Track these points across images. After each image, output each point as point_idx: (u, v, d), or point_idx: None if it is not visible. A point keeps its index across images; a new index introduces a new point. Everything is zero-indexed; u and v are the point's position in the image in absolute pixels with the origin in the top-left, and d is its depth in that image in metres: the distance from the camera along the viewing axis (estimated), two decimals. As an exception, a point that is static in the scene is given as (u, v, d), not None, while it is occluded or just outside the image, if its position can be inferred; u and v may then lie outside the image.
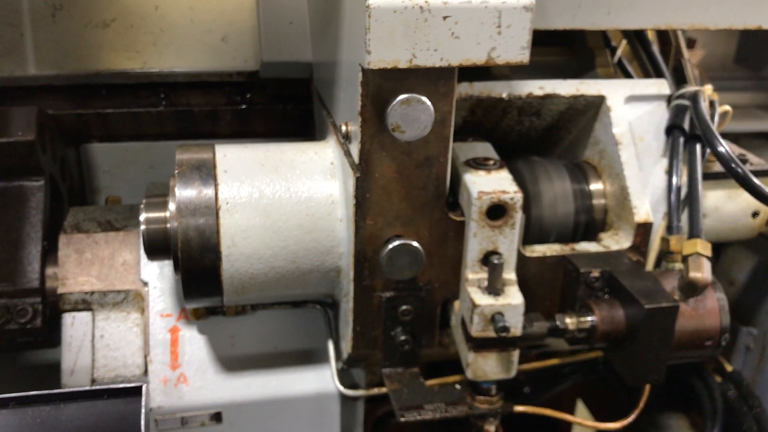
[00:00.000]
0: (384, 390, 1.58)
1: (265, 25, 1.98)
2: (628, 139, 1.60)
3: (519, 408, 1.57)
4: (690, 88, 1.64)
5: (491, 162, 1.46)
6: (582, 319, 1.45)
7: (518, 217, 1.38)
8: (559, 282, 1.54)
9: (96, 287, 1.68)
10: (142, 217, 1.49)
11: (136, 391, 1.19)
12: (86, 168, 2.11)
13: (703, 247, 1.49)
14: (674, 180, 1.58)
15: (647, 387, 1.68)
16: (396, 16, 1.17)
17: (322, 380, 1.69)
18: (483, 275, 1.41)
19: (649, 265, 1.59)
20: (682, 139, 1.61)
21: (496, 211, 1.37)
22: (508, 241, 1.39)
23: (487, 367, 1.44)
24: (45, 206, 1.71)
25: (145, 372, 1.65)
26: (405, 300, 1.48)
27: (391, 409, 1.58)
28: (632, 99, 1.63)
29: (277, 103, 2.10)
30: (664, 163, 1.62)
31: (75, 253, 1.71)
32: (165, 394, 1.62)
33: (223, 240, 1.42)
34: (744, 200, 1.70)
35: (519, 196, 1.36)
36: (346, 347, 1.55)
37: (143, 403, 1.17)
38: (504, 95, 1.57)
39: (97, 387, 1.21)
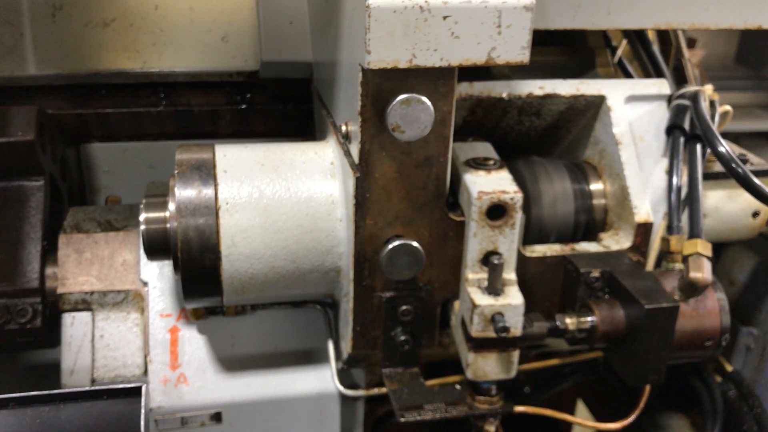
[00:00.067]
0: (384, 390, 1.58)
1: (265, 24, 1.97)
2: (628, 139, 1.59)
3: (519, 408, 1.57)
4: (690, 88, 1.64)
5: (491, 162, 1.46)
6: (582, 319, 1.45)
7: (518, 217, 1.38)
8: (559, 282, 1.54)
9: (96, 287, 1.68)
10: (142, 217, 1.49)
11: (136, 392, 1.19)
12: (86, 168, 2.11)
13: (703, 247, 1.49)
14: (674, 180, 1.58)
15: (647, 387, 1.68)
16: (396, 16, 1.17)
17: (322, 380, 1.69)
18: (483, 275, 1.41)
19: (650, 265, 1.58)
20: (682, 139, 1.61)
21: (496, 211, 1.37)
22: (508, 241, 1.39)
23: (487, 367, 1.43)
24: (45, 206, 1.71)
25: (145, 372, 1.64)
26: (405, 300, 1.47)
27: (391, 409, 1.58)
28: (632, 99, 1.63)
29: (277, 103, 2.10)
30: (665, 163, 1.62)
31: (75, 253, 1.70)
32: (165, 394, 1.62)
33: (222, 240, 1.42)
34: (744, 200, 1.70)
35: (519, 196, 1.36)
36: (346, 347, 1.55)
37: (143, 404, 1.17)
38: (504, 95, 1.57)
39: (97, 387, 1.21)
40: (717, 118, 1.63)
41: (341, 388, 1.67)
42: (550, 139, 1.76)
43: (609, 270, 1.49)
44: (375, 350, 1.53)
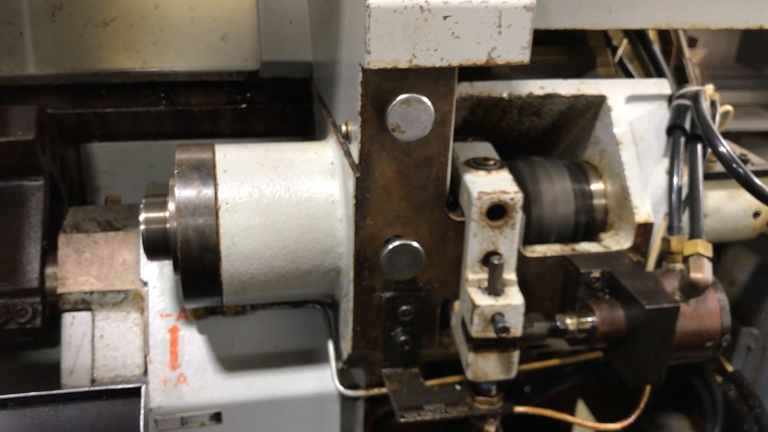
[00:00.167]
0: (384, 390, 1.58)
1: (265, 24, 1.97)
2: (628, 138, 1.59)
3: (519, 408, 1.57)
4: (691, 88, 1.64)
5: (491, 162, 1.46)
6: (582, 319, 1.45)
7: (518, 217, 1.38)
8: (559, 282, 1.54)
9: (95, 287, 1.68)
10: (142, 217, 1.48)
11: (135, 392, 1.19)
12: (86, 167, 2.11)
13: (704, 247, 1.49)
14: (675, 180, 1.58)
15: (648, 387, 1.68)
16: (396, 16, 1.17)
17: (321, 380, 1.69)
18: (483, 275, 1.40)
19: (650, 265, 1.58)
20: (683, 139, 1.60)
21: (497, 212, 1.37)
22: (508, 242, 1.39)
23: (487, 367, 1.43)
24: (44, 206, 1.71)
25: (145, 372, 1.64)
26: (405, 300, 1.47)
27: (391, 409, 1.58)
28: (633, 99, 1.63)
29: (277, 103, 2.10)
30: (665, 163, 1.62)
31: (74, 252, 1.70)
32: (165, 394, 1.62)
33: (222, 240, 1.42)
34: (745, 200, 1.70)
35: (519, 197, 1.36)
36: (346, 347, 1.55)
37: (142, 404, 1.17)
38: (504, 95, 1.57)
39: (96, 388, 1.21)
40: (718, 118, 1.63)
41: (341, 388, 1.67)
42: (550, 139, 1.76)
43: (609, 270, 1.48)
44: (375, 350, 1.53)
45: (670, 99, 1.65)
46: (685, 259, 1.49)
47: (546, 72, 1.73)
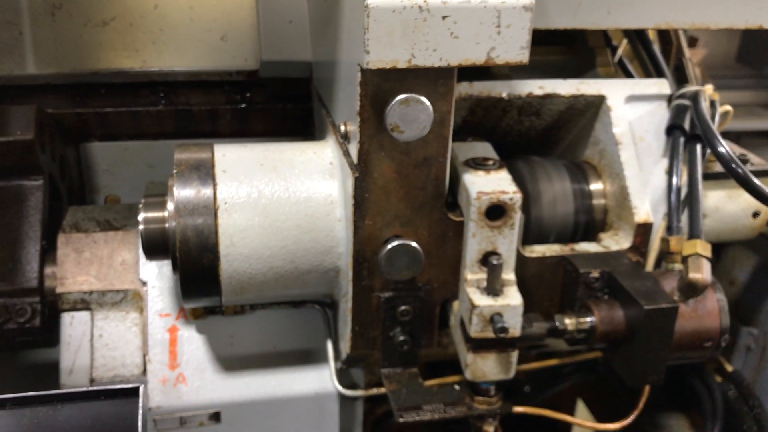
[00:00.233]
0: (383, 390, 1.58)
1: (264, 24, 1.97)
2: (628, 138, 1.59)
3: (518, 408, 1.57)
4: (691, 88, 1.64)
5: (490, 162, 1.46)
6: (581, 319, 1.45)
7: (517, 217, 1.37)
8: (558, 282, 1.54)
9: (95, 287, 1.68)
10: (141, 216, 1.48)
11: (134, 392, 1.19)
12: (86, 167, 2.11)
13: (702, 247, 1.49)
14: (674, 180, 1.58)
15: (647, 387, 1.67)
16: (395, 16, 1.16)
17: (321, 380, 1.69)
18: (482, 276, 1.40)
19: (649, 265, 1.58)
20: (682, 139, 1.60)
21: (495, 212, 1.36)
22: (507, 242, 1.39)
23: (486, 367, 1.43)
24: (44, 205, 1.71)
25: (144, 372, 1.64)
26: (404, 300, 1.47)
27: (390, 409, 1.58)
28: (632, 99, 1.63)
29: (276, 103, 2.10)
30: (665, 163, 1.61)
31: (74, 252, 1.70)
32: (164, 393, 1.62)
33: (221, 240, 1.42)
34: (744, 200, 1.70)
35: (518, 197, 1.36)
36: (345, 347, 1.55)
37: (140, 404, 1.17)
38: (504, 95, 1.57)
39: (95, 388, 1.21)
40: (717, 118, 1.63)
41: (340, 388, 1.67)
42: (549, 139, 1.76)
43: (608, 270, 1.49)
44: (374, 350, 1.53)
45: (669, 99, 1.65)
46: (684, 260, 1.49)
47: (546, 72, 1.74)
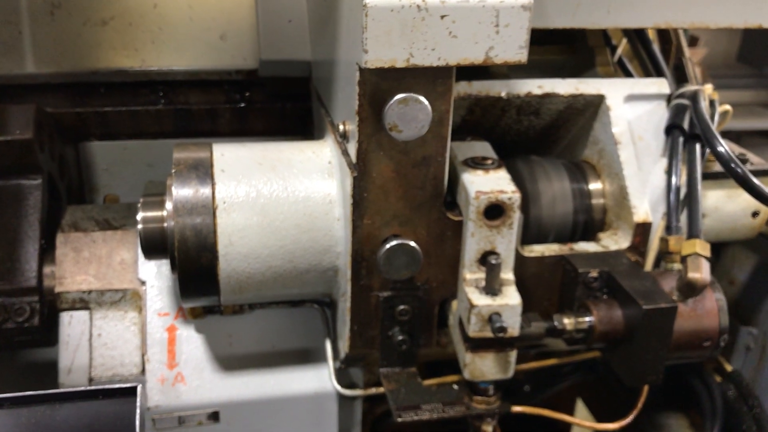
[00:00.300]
0: (382, 390, 1.58)
1: (263, 23, 1.97)
2: (627, 138, 1.59)
3: (516, 408, 1.57)
4: (690, 88, 1.64)
5: (489, 161, 1.46)
6: (580, 319, 1.45)
7: (516, 217, 1.37)
8: (557, 282, 1.54)
9: (93, 286, 1.68)
10: (139, 216, 1.48)
11: (132, 391, 1.19)
12: (85, 166, 2.11)
13: (701, 247, 1.49)
14: (673, 180, 1.58)
15: (646, 387, 1.67)
16: (393, 15, 1.16)
17: (319, 380, 1.69)
18: (481, 275, 1.40)
19: (648, 265, 1.58)
20: (681, 139, 1.60)
21: (494, 211, 1.36)
22: (505, 241, 1.39)
23: (484, 367, 1.43)
24: (43, 205, 1.71)
25: (143, 371, 1.64)
26: (402, 300, 1.47)
27: (389, 408, 1.58)
28: (632, 98, 1.63)
29: (276, 102, 2.09)
30: (664, 162, 1.61)
31: (72, 251, 1.70)
32: (162, 393, 1.62)
33: (220, 239, 1.42)
34: (744, 200, 1.69)
35: (517, 196, 1.36)
36: (344, 347, 1.55)
37: (138, 404, 1.17)
38: (503, 94, 1.57)
39: (92, 387, 1.20)
40: (716, 117, 1.63)
41: (339, 387, 1.67)
42: (549, 139, 1.76)
43: (607, 270, 1.48)
44: (372, 350, 1.53)
45: (669, 98, 1.65)
46: (683, 259, 1.49)
47: (545, 71, 1.73)
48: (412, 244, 1.39)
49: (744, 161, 1.67)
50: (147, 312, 1.67)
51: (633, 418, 1.67)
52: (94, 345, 1.66)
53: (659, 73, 1.75)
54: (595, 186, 1.62)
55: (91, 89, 2.02)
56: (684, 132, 1.60)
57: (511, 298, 1.37)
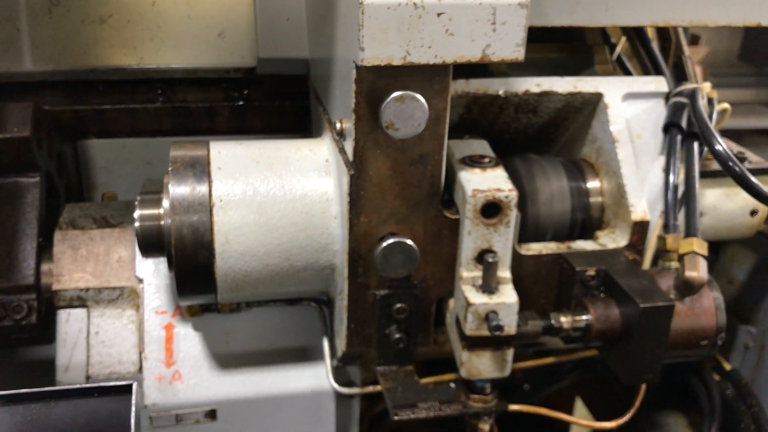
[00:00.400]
0: (379, 388, 1.58)
1: (262, 21, 1.96)
2: (625, 136, 1.59)
3: (513, 407, 1.57)
4: (688, 86, 1.63)
5: (486, 160, 1.45)
6: (577, 317, 1.45)
7: (513, 215, 1.37)
8: (555, 280, 1.54)
9: (91, 284, 1.68)
10: (136, 214, 1.49)
11: (128, 389, 1.19)
12: (83, 164, 2.11)
13: (699, 245, 1.48)
14: (671, 178, 1.57)
15: (643, 386, 1.67)
16: (390, 13, 1.16)
17: (317, 378, 1.68)
18: (477, 273, 1.40)
19: (646, 263, 1.58)
20: (679, 137, 1.60)
21: (491, 209, 1.36)
22: (502, 240, 1.39)
23: (481, 365, 1.43)
24: (40, 202, 1.71)
25: (140, 369, 1.64)
26: (399, 298, 1.47)
27: (387, 407, 1.58)
28: (630, 96, 1.62)
29: (274, 100, 2.09)
30: (662, 161, 1.61)
31: (70, 249, 1.70)
32: (160, 391, 1.62)
33: (216, 237, 1.42)
34: (742, 198, 1.69)
35: (514, 195, 1.36)
36: (341, 345, 1.55)
37: (133, 401, 1.17)
38: (500, 92, 1.57)
39: (88, 385, 1.21)
40: (715, 115, 1.63)
41: (336, 385, 1.67)
42: (547, 137, 1.75)
43: (605, 268, 1.48)
44: (370, 348, 1.53)
45: (667, 97, 1.65)
46: (681, 258, 1.49)
47: (544, 69, 1.73)
48: (409, 242, 1.39)
49: (742, 160, 1.67)
50: (144, 310, 1.67)
51: (630, 416, 1.67)
52: (92, 343, 1.66)
53: (658, 72, 1.75)
54: (593, 184, 1.62)
55: (90, 87, 2.02)
56: (682, 130, 1.59)
57: (507, 296, 1.37)
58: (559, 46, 1.94)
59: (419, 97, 1.25)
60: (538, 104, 1.62)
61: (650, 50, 1.80)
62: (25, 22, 1.92)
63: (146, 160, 2.12)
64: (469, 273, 1.41)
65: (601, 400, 2.36)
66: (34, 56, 1.94)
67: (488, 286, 1.37)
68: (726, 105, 1.65)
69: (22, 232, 1.68)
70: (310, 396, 1.68)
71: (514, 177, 1.50)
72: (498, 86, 1.57)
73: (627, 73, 1.86)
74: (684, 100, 1.60)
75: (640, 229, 1.55)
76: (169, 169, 1.45)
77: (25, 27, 1.93)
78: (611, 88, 1.61)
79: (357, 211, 1.38)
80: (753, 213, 1.72)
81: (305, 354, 1.71)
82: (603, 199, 1.61)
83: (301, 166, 1.50)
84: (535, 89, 1.58)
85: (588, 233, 1.62)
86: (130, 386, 1.19)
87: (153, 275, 1.69)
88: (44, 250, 1.70)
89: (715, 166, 1.62)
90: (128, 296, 1.69)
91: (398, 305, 1.47)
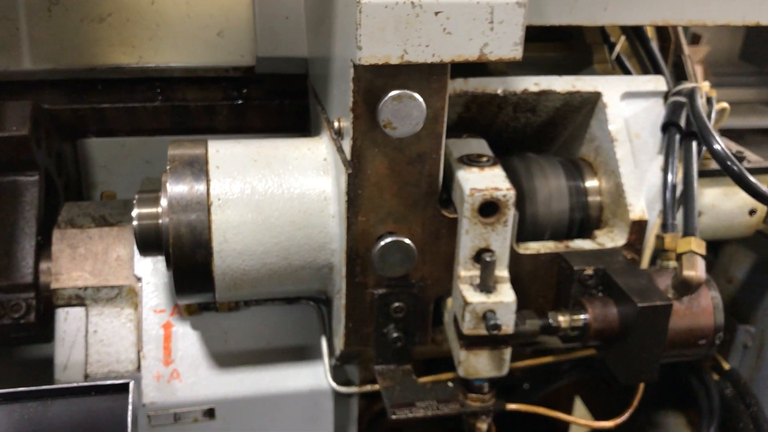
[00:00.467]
0: (378, 387, 1.58)
1: (260, 20, 1.96)
2: (624, 135, 1.59)
3: (511, 406, 1.57)
4: (687, 85, 1.63)
5: (484, 159, 1.45)
6: (575, 317, 1.44)
7: (511, 214, 1.37)
8: (553, 280, 1.53)
9: (89, 282, 1.68)
10: (134, 212, 1.49)
11: (124, 388, 1.19)
12: (83, 163, 2.11)
13: (697, 245, 1.48)
14: (669, 177, 1.57)
15: (641, 385, 1.67)
16: (387, 12, 1.16)
17: (315, 377, 1.68)
18: (475, 272, 1.40)
19: (644, 263, 1.58)
20: (678, 136, 1.59)
21: (489, 209, 1.36)
22: (500, 239, 1.39)
23: (478, 364, 1.43)
24: (39, 201, 1.71)
25: (139, 368, 1.64)
26: (397, 297, 1.47)
27: (386, 406, 1.58)
28: (628, 95, 1.62)
29: (273, 99, 2.09)
30: (660, 160, 1.61)
31: (69, 248, 1.70)
32: (158, 389, 1.62)
33: (214, 236, 1.42)
34: (741, 198, 1.69)
35: (511, 194, 1.35)
36: (339, 344, 1.55)
37: (130, 400, 1.17)
38: (499, 91, 1.57)
39: (85, 383, 1.21)
40: (714, 115, 1.62)
41: (334, 384, 1.67)
42: (546, 136, 1.75)
43: (603, 268, 1.48)
44: (367, 347, 1.53)
45: (666, 96, 1.65)
46: (679, 257, 1.49)
47: (543, 69, 1.73)
48: (407, 241, 1.39)
49: (741, 159, 1.67)
50: (143, 308, 1.67)
51: (628, 416, 1.67)
52: (90, 341, 1.66)
53: (657, 71, 1.75)
54: (591, 183, 1.62)
55: (89, 86, 2.02)
56: (681, 129, 1.59)
57: (505, 295, 1.37)
58: (558, 46, 1.93)
59: (417, 96, 1.25)
60: (536, 103, 1.62)
61: (649, 49, 1.80)
62: (24, 20, 1.92)
63: (145, 158, 2.12)
64: (466, 272, 1.41)
65: (600, 399, 2.36)
66: (33, 55, 1.94)
67: (486, 285, 1.37)
68: (725, 104, 1.65)
69: (20, 231, 1.68)
70: (309, 395, 1.68)
71: (513, 176, 1.50)
72: (496, 85, 1.56)
73: (626, 72, 1.86)
74: (683, 99, 1.60)
75: (639, 228, 1.54)
76: (167, 167, 1.45)
77: (25, 26, 1.93)
78: (610, 88, 1.61)
79: (355, 210, 1.38)
80: (752, 212, 1.72)
81: (303, 353, 1.71)
82: (601, 199, 1.61)
83: (300, 164, 1.49)
84: (533, 88, 1.58)
85: (586, 232, 1.61)
86: (126, 385, 1.19)
87: (151, 274, 1.69)
88: (43, 249, 1.70)
89: (714, 165, 1.62)
90: (127, 295, 1.69)
91: (396, 304, 1.47)
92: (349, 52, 1.24)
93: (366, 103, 1.27)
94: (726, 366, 1.91)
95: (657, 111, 1.64)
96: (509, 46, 1.23)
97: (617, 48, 1.89)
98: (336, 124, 1.39)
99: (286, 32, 1.95)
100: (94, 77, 2.01)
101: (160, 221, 1.46)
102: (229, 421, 1.66)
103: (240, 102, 2.08)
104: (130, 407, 1.15)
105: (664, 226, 1.56)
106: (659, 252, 1.56)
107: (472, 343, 1.41)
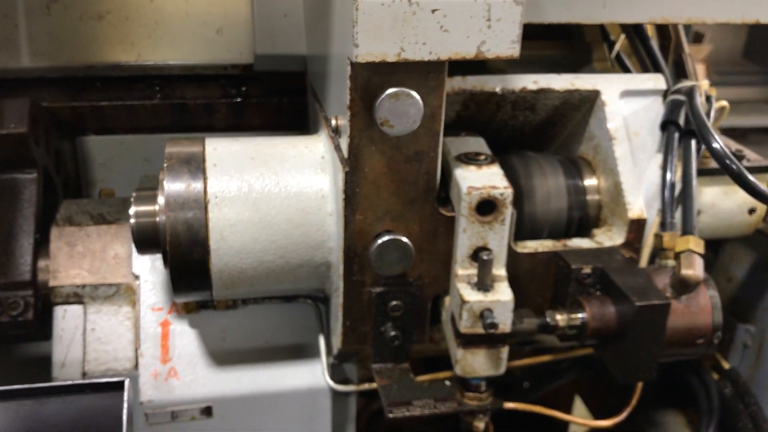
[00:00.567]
0: (375, 385, 1.57)
1: (259, 17, 1.96)
2: (622, 134, 1.58)
3: (509, 405, 1.56)
4: (686, 83, 1.63)
5: (482, 157, 1.45)
6: (572, 315, 1.44)
7: (508, 212, 1.37)
8: (551, 278, 1.53)
9: (87, 280, 1.68)
10: (132, 210, 1.48)
11: (119, 386, 1.19)
12: (82, 161, 2.11)
13: (695, 244, 1.48)
14: (668, 176, 1.57)
15: (640, 384, 1.67)
16: (384, 10, 1.16)
17: (313, 375, 1.68)
18: (473, 271, 1.40)
19: (643, 261, 1.57)
20: (677, 135, 1.59)
21: (486, 207, 1.36)
22: (498, 237, 1.38)
23: (475, 363, 1.43)
24: (38, 199, 1.71)
25: (136, 366, 1.64)
26: (395, 295, 1.46)
27: (384, 404, 1.57)
28: (627, 94, 1.62)
29: (272, 97, 2.09)
30: (659, 158, 1.60)
31: (67, 246, 1.70)
32: (155, 387, 1.62)
33: (211, 234, 1.41)
34: (740, 197, 1.68)
35: (509, 192, 1.35)
36: (337, 342, 1.54)
37: (125, 398, 1.17)
38: (497, 89, 1.56)
39: (80, 381, 1.21)
40: (713, 113, 1.62)
41: (332, 383, 1.67)
42: (545, 134, 1.75)
43: (601, 266, 1.47)
44: (365, 345, 1.52)
45: (665, 94, 1.64)
46: (677, 256, 1.48)
47: (542, 67, 1.72)
48: (404, 239, 1.39)
49: (740, 158, 1.66)
50: (141, 306, 1.67)
51: (628, 415, 1.66)
52: (88, 339, 1.66)
53: (657, 69, 1.74)
54: (590, 182, 1.61)
55: (88, 84, 2.02)
56: (680, 128, 1.59)
57: (503, 294, 1.37)
58: (558, 44, 1.93)
59: (414, 93, 1.24)
60: (535, 101, 1.61)
61: (649, 47, 1.79)
62: (23, 18, 1.92)
63: (144, 156, 2.12)
64: (464, 270, 1.40)
65: (600, 398, 2.36)
66: (31, 52, 1.94)
67: (483, 283, 1.37)
68: (724, 102, 1.64)
69: (18, 229, 1.68)
70: (306, 393, 1.68)
71: (511, 174, 1.49)
72: (495, 83, 1.56)
73: (626, 70, 1.86)
74: (682, 97, 1.60)
75: (637, 227, 1.54)
76: (165, 165, 1.45)
77: (23, 23, 1.93)
78: (609, 86, 1.61)
79: (352, 208, 1.37)
80: (751, 211, 1.71)
81: (301, 351, 1.71)
82: (600, 197, 1.61)
83: (297, 162, 1.49)
84: (532, 86, 1.57)
85: (585, 231, 1.61)
86: (122, 383, 1.19)
87: (149, 272, 1.69)
88: (41, 247, 1.70)
89: (714, 163, 1.61)
90: (124, 293, 1.69)
91: (394, 303, 1.47)
92: (346, 50, 1.24)
93: (363, 100, 1.27)
94: (725, 365, 1.91)
95: (656, 109, 1.63)
96: (507, 44, 1.23)
97: (617, 46, 1.89)
98: (333, 122, 1.39)
99: (285, 30, 1.95)
100: (92, 75, 2.01)
101: (157, 219, 1.46)
102: (226, 420, 1.65)
103: (239, 100, 2.08)
104: (125, 405, 1.15)
105: (663, 225, 1.55)
106: (658, 251, 1.55)
107: (469, 341, 1.40)
